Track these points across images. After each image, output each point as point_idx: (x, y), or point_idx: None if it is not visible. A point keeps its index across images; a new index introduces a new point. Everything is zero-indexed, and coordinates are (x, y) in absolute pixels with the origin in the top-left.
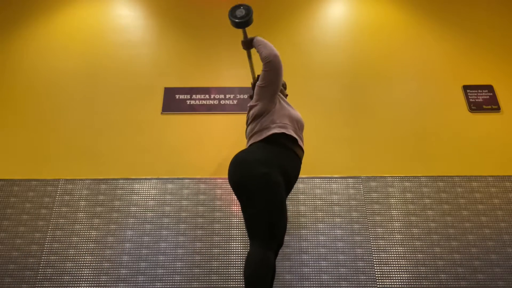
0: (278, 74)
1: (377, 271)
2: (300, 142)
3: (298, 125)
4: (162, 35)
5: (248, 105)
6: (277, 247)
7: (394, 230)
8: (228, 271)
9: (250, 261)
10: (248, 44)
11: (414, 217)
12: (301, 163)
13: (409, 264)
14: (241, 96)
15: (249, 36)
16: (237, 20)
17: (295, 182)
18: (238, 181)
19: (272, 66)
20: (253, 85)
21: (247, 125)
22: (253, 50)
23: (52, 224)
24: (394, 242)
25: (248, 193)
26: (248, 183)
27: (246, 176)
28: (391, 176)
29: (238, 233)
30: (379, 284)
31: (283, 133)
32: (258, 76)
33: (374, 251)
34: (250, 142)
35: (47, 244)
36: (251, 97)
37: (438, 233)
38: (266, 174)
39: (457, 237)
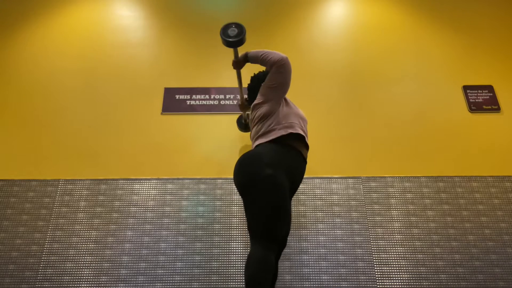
0: (290, 75)
1: (377, 272)
2: (306, 139)
3: (303, 122)
4: (162, 35)
5: (253, 103)
6: (279, 248)
7: (394, 231)
8: (228, 272)
9: (250, 261)
10: (241, 63)
11: (414, 218)
12: (306, 163)
13: (409, 264)
14: None
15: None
16: (229, 39)
17: (300, 184)
18: (243, 181)
19: (286, 68)
20: (239, 105)
21: (252, 126)
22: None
23: (52, 225)
24: (394, 242)
25: (253, 193)
26: (253, 184)
27: (252, 177)
28: (391, 177)
29: (238, 233)
30: (379, 285)
31: (291, 133)
32: (247, 97)
33: (374, 252)
34: (257, 143)
35: (47, 245)
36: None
37: (438, 233)
38: (271, 175)
39: (457, 237)
